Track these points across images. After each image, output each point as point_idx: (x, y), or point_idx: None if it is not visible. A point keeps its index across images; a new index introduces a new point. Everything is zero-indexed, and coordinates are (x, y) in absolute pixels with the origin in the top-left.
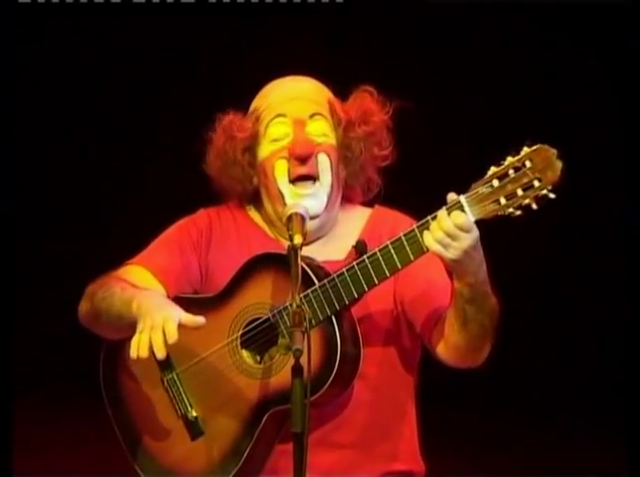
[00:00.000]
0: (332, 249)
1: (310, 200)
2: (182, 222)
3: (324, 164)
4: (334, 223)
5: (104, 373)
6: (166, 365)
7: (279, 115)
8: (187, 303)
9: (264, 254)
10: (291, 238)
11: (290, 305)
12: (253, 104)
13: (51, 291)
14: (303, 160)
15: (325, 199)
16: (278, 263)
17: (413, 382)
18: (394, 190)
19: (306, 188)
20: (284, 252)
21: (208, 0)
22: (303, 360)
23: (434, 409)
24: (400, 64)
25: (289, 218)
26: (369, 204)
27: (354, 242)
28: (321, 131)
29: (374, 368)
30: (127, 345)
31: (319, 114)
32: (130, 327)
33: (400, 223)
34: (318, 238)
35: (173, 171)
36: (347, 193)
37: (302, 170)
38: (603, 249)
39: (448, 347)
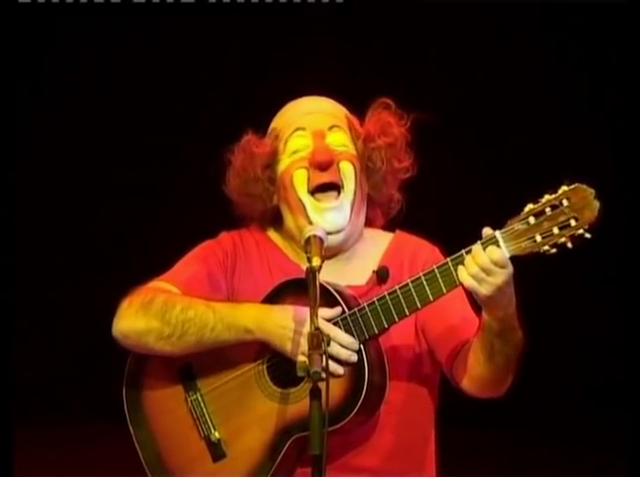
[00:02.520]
0: (352, 272)
1: (334, 213)
2: (207, 243)
3: (347, 171)
4: (358, 238)
5: (127, 390)
6: (191, 385)
7: (298, 129)
8: None
9: (294, 280)
10: (309, 261)
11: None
12: (272, 125)
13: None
14: (324, 168)
15: (349, 210)
16: (304, 290)
17: (434, 407)
18: (415, 215)
19: (329, 201)
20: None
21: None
22: (330, 386)
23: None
24: (402, 65)
25: (307, 240)
26: (390, 227)
27: (375, 267)
28: (341, 142)
29: (397, 394)
30: (152, 363)
31: (337, 127)
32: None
33: (421, 249)
34: (340, 254)
35: (190, 190)
36: (368, 213)
37: (323, 178)
38: (601, 249)
39: (472, 378)
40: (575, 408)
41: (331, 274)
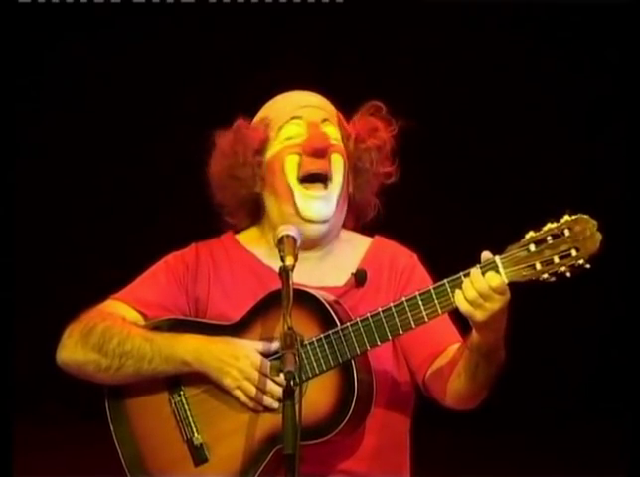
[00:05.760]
0: (328, 272)
1: (321, 202)
2: (169, 257)
3: (337, 163)
4: (337, 234)
5: (110, 387)
6: (175, 387)
7: (295, 118)
8: (202, 328)
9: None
10: (283, 260)
11: (309, 336)
12: (261, 114)
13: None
14: (318, 155)
15: (335, 202)
16: (295, 300)
17: (410, 415)
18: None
19: (318, 190)
20: (301, 289)
21: (207, 0)
22: (317, 398)
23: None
24: (402, 66)
25: (281, 239)
26: (369, 232)
27: (353, 270)
28: (333, 136)
29: (381, 402)
30: None
31: (329, 121)
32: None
33: (401, 255)
34: (315, 251)
35: (191, 191)
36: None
37: (315, 166)
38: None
39: (450, 392)
40: (575, 408)
41: (306, 274)
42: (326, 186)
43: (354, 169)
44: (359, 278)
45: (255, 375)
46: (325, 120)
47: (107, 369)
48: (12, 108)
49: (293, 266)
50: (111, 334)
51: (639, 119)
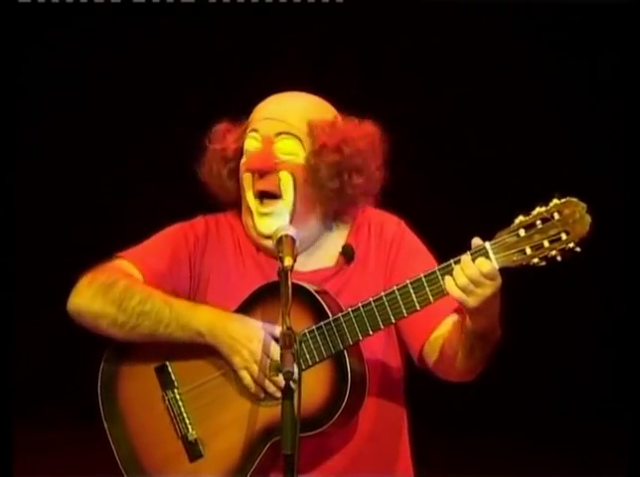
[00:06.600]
0: (318, 258)
1: (272, 219)
2: (180, 226)
3: (285, 181)
4: (314, 238)
5: (102, 384)
6: (168, 383)
7: (253, 130)
8: None
9: (277, 282)
10: (281, 261)
11: (301, 332)
12: (249, 119)
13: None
14: (260, 175)
15: (288, 218)
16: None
17: (404, 407)
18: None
19: (267, 206)
20: (297, 282)
21: (207, 0)
22: (311, 390)
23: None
24: (402, 66)
25: (279, 240)
26: None
27: (340, 248)
28: (288, 150)
29: (372, 396)
30: (129, 359)
31: (287, 133)
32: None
33: (387, 224)
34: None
35: (192, 191)
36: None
37: (261, 185)
38: (605, 240)
39: (447, 367)
40: (575, 408)
41: (298, 259)
42: (277, 202)
43: (313, 180)
44: (347, 254)
45: (265, 360)
46: (281, 133)
47: (122, 325)
48: (12, 108)
49: (292, 267)
50: (132, 292)
51: (639, 119)
